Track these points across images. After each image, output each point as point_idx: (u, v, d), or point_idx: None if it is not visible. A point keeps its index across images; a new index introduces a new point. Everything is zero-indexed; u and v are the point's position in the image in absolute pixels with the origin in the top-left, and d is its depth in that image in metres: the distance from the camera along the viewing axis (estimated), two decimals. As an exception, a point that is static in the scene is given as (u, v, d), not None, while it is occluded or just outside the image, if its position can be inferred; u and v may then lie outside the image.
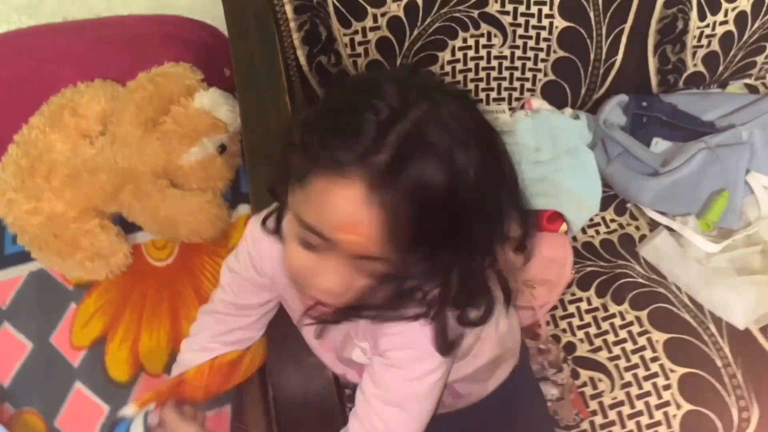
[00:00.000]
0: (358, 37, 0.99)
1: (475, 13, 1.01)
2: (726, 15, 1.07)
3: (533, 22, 1.02)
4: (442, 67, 1.05)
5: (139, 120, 0.87)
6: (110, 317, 0.81)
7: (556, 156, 1.06)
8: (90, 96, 0.87)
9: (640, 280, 1.00)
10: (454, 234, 0.50)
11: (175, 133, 0.86)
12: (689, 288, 0.97)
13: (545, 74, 1.10)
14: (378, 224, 0.48)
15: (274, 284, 0.67)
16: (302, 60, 1.01)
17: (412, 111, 0.48)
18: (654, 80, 1.15)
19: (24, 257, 0.87)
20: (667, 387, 0.90)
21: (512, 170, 0.54)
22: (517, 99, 1.12)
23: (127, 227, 0.87)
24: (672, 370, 0.91)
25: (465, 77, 1.08)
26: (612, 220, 1.08)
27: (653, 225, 1.06)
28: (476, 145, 0.50)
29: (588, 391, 0.91)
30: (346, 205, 0.48)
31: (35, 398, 0.77)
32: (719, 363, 0.92)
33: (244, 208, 0.86)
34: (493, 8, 1.00)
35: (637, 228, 1.06)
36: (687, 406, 0.89)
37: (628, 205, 1.09)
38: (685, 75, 1.15)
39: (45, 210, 0.82)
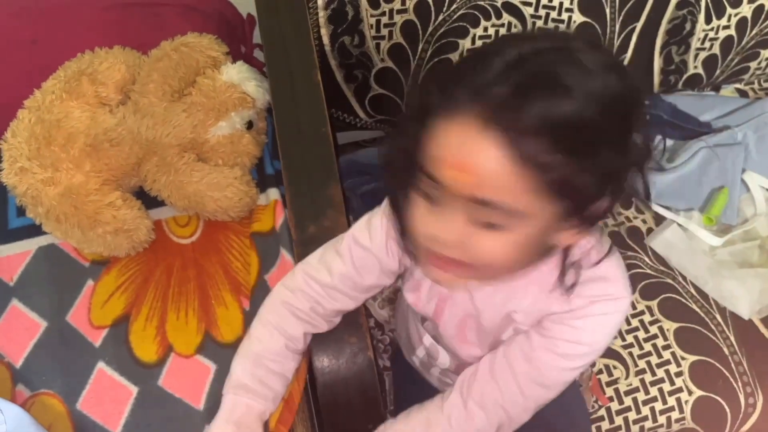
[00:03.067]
0: (385, 19, 0.98)
1: (499, 2, 1.01)
2: (729, 20, 1.12)
3: (553, 15, 1.04)
4: (461, 55, 1.05)
5: (164, 90, 0.83)
6: (133, 295, 0.77)
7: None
8: (110, 63, 0.83)
9: (649, 271, 1.03)
10: (581, 178, 0.46)
11: (203, 106, 0.83)
12: (697, 279, 1.01)
13: (558, 68, 1.11)
14: (493, 162, 0.45)
15: (400, 266, 0.65)
16: (325, 39, 0.99)
17: (542, 54, 0.46)
18: (656, 80, 1.19)
19: (31, 231, 0.81)
20: (679, 374, 0.93)
21: (644, 145, 0.50)
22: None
23: (147, 203, 0.83)
24: (683, 358, 0.94)
25: (481, 67, 1.08)
26: (619, 213, 1.11)
27: (658, 219, 1.09)
28: (611, 88, 0.46)
29: (604, 378, 0.93)
30: (456, 141, 0.46)
31: (53, 380, 0.72)
32: (726, 351, 0.96)
33: (273, 193, 0.84)
34: (516, -1, 1.01)
35: (644, 221, 1.10)
36: (698, 392, 0.92)
37: (634, 199, 1.12)
38: (685, 76, 1.19)
39: (63, 180, 0.77)
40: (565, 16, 1.04)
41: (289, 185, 0.80)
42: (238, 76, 0.84)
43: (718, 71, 1.20)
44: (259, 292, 0.76)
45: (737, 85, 1.27)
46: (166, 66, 0.82)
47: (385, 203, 0.65)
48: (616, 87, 0.47)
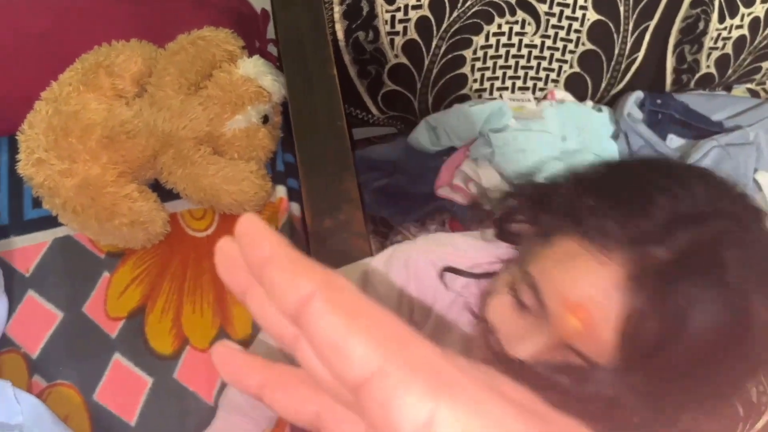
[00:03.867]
0: (399, 15, 0.98)
1: (514, -1, 1.02)
2: (742, 19, 1.12)
3: (567, 12, 1.04)
4: (474, 52, 1.05)
5: (180, 83, 0.83)
6: (148, 287, 0.77)
7: (583, 146, 1.08)
8: (126, 55, 0.83)
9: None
10: (693, 382, 0.41)
11: (219, 99, 0.83)
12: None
13: (570, 66, 1.11)
14: (614, 323, 0.40)
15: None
16: (340, 34, 0.99)
17: (714, 220, 0.40)
18: (669, 79, 1.19)
19: (47, 222, 0.81)
20: (691, 372, 0.93)
21: None
22: (541, 89, 1.14)
23: (163, 195, 0.83)
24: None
25: (495, 63, 1.08)
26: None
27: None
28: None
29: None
30: (591, 284, 0.40)
31: (70, 371, 0.72)
32: (737, 350, 0.96)
33: (280, 190, 0.84)
34: (531, -5, 1.01)
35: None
36: (710, 391, 0.92)
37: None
38: (697, 76, 1.19)
39: (80, 172, 0.77)
40: (579, 13, 1.04)
41: (305, 179, 0.81)
42: (254, 70, 0.84)
43: (730, 71, 1.20)
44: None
45: (749, 86, 1.27)
46: (183, 59, 0.82)
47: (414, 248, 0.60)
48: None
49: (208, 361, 0.73)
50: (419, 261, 0.58)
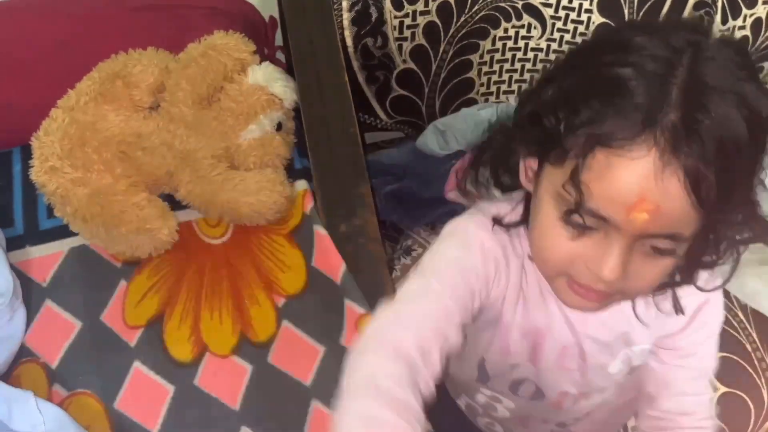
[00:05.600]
0: (408, 21, 0.99)
1: (520, 3, 1.02)
2: (744, 20, 1.13)
3: (573, 15, 1.05)
4: (481, 56, 1.06)
5: (193, 98, 0.83)
6: (166, 295, 0.77)
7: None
8: (143, 65, 0.83)
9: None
10: (753, 176, 0.47)
11: (232, 111, 0.83)
12: (719, 277, 1.02)
13: (576, 69, 1.12)
14: (677, 196, 0.44)
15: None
16: (348, 41, 0.99)
17: (679, 58, 0.44)
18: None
19: (62, 232, 0.81)
20: (704, 371, 0.94)
21: None
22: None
23: (177, 204, 0.83)
24: (707, 355, 0.95)
25: (501, 67, 1.09)
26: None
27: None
28: (753, 75, 0.46)
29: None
30: (637, 180, 0.43)
31: (90, 379, 0.72)
32: (749, 347, 0.96)
33: (301, 184, 0.84)
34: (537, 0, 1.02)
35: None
36: (723, 389, 0.93)
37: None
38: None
39: (93, 182, 0.77)
40: (584, 17, 1.05)
41: (319, 185, 0.81)
42: (264, 77, 0.85)
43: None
44: (315, 282, 0.77)
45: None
46: (195, 73, 0.83)
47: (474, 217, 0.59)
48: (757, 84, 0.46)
49: (229, 367, 0.73)
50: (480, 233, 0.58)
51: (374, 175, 1.10)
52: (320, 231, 0.79)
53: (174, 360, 0.73)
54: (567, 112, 0.47)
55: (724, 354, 0.96)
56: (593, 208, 0.46)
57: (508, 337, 0.62)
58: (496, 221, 0.57)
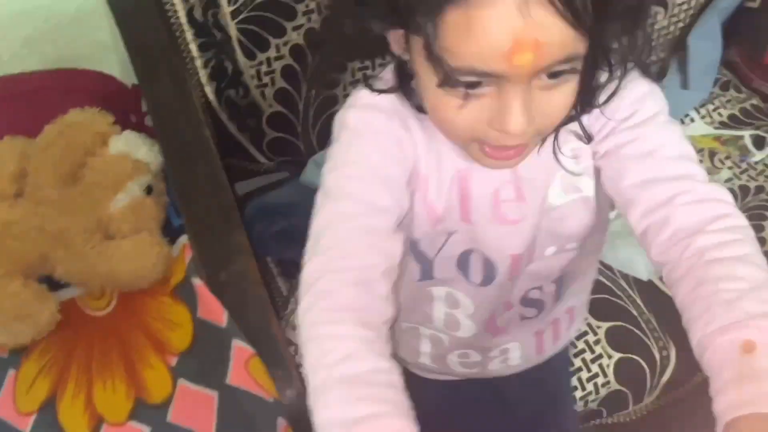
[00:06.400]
0: (264, 68, 1.03)
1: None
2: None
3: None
4: (344, 88, 1.11)
5: (57, 179, 0.85)
6: (56, 375, 0.78)
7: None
8: (0, 155, 0.84)
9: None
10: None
11: (98, 185, 0.86)
12: (597, 252, 1.09)
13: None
14: (552, 22, 0.41)
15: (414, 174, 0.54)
16: (211, 96, 1.03)
17: None
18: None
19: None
20: (597, 341, 1.00)
21: None
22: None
23: (58, 282, 0.84)
24: (598, 326, 1.01)
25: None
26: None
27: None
28: None
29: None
30: (504, 25, 0.41)
31: (-14, 476, 0.72)
32: (635, 312, 1.03)
33: (182, 239, 0.87)
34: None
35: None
36: (617, 355, 0.99)
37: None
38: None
39: (-34, 277, 0.78)
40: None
41: (194, 239, 0.84)
42: (127, 145, 0.88)
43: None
44: (202, 333, 0.79)
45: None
46: (54, 154, 0.85)
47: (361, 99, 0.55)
48: None
49: (126, 434, 0.74)
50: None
51: (262, 217, 1.13)
52: (197, 282, 0.81)
53: (71, 438, 0.74)
54: None
55: (614, 323, 1.02)
56: (467, 67, 0.43)
57: (430, 195, 0.56)
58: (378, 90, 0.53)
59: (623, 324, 1.02)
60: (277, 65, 1.04)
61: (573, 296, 0.75)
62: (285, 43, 1.02)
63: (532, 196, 0.57)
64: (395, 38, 0.49)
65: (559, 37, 0.42)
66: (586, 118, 0.54)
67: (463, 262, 0.61)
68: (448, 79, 0.44)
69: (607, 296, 1.05)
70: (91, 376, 0.78)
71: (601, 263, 1.08)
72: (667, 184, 0.52)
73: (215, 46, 0.98)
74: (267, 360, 0.77)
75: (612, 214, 1.11)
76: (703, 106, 1.31)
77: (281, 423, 0.73)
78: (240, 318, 0.80)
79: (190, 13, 0.93)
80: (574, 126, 0.54)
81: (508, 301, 0.67)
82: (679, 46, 1.37)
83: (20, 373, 0.78)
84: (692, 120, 1.30)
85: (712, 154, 1.24)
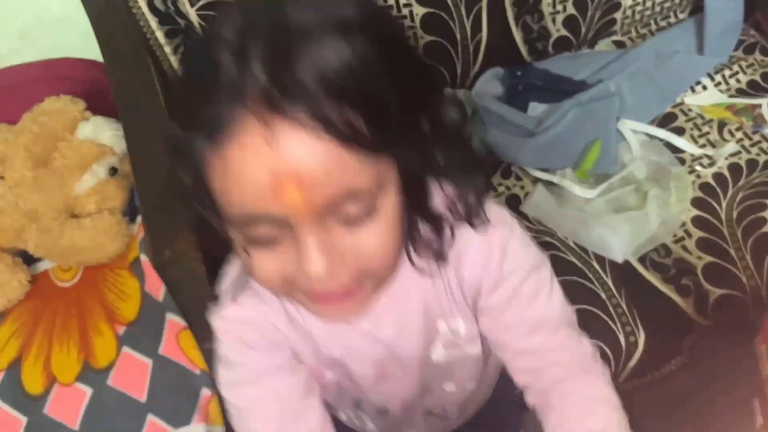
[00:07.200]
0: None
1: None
2: (571, -21, 1.15)
3: (393, 12, 1.10)
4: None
5: (31, 162, 0.94)
6: (25, 339, 0.87)
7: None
8: (-18, 141, 0.94)
9: (529, 233, 1.07)
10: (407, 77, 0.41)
11: (66, 167, 0.93)
12: (569, 234, 1.05)
13: (419, 59, 1.17)
14: (312, 152, 0.38)
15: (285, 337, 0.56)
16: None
17: (258, 15, 0.39)
18: (523, 50, 1.23)
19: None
20: (557, 326, 0.97)
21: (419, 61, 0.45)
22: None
23: (31, 258, 0.93)
24: (562, 310, 0.98)
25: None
26: (499, 184, 1.15)
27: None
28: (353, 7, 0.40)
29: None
30: (257, 162, 0.38)
31: (-40, 423, 0.82)
32: (604, 295, 0.99)
33: (140, 219, 0.93)
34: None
35: (522, 187, 1.14)
36: (578, 341, 0.96)
37: (513, 167, 1.17)
38: (551, 41, 1.23)
39: (-51, 252, 0.89)
40: (405, 11, 1.11)
41: (145, 217, 0.90)
42: (93, 130, 0.94)
43: (583, 29, 1.24)
44: (146, 306, 0.86)
45: (614, 38, 1.29)
46: (28, 140, 0.94)
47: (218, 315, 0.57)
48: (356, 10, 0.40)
49: (73, 393, 0.82)
50: None
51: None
52: (144, 258, 0.87)
53: (28, 394, 0.83)
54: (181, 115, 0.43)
55: (579, 306, 0.98)
56: (243, 213, 0.41)
57: (319, 375, 0.58)
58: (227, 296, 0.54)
59: (589, 308, 0.98)
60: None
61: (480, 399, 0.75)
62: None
63: (411, 362, 0.58)
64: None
65: (324, 168, 0.38)
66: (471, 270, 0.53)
67: (357, 403, 0.65)
68: (233, 228, 0.42)
69: (576, 278, 1.01)
70: (52, 341, 0.86)
71: (577, 245, 1.04)
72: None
73: (181, 33, 1.02)
74: (199, 334, 0.83)
75: (593, 194, 1.07)
76: (718, 72, 1.20)
77: (205, 393, 0.79)
78: (178, 293, 0.85)
79: (150, 4, 0.98)
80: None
81: (410, 418, 0.69)
82: (697, 8, 1.26)
83: (-5, 336, 0.88)
84: (704, 87, 1.20)
85: (722, 125, 1.14)
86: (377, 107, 0.39)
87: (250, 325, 0.54)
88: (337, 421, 0.69)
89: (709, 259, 0.99)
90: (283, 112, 0.37)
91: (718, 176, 1.07)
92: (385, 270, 0.46)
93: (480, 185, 0.48)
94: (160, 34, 1.02)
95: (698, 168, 1.09)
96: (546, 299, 0.56)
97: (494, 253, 0.53)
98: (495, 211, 0.53)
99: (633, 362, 0.97)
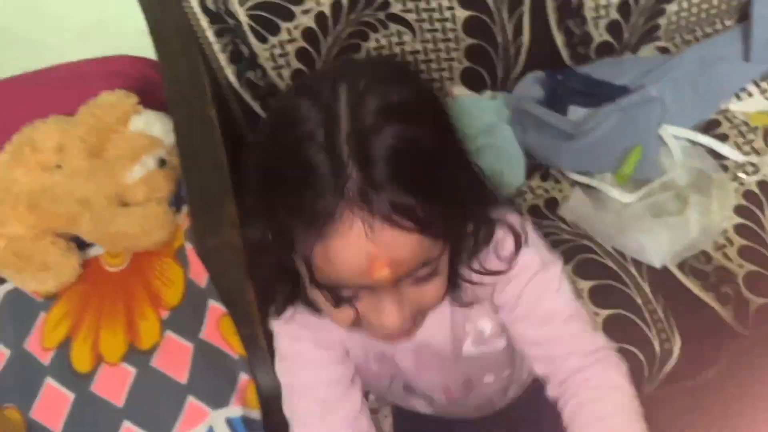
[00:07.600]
0: (277, 51, 1.10)
1: (382, 15, 1.11)
2: None
3: (436, 15, 1.12)
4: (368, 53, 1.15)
5: (87, 152, 0.99)
6: (74, 320, 0.92)
7: (471, 136, 1.14)
8: (44, 131, 1.00)
9: (566, 236, 1.07)
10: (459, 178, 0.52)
11: (119, 158, 0.98)
12: (605, 238, 1.04)
13: (460, 62, 1.19)
14: (396, 238, 0.47)
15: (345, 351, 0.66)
16: (232, 78, 1.12)
17: (339, 107, 0.46)
18: (565, 54, 1.23)
19: (-2, 280, 0.98)
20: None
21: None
22: (439, 89, 1.22)
23: (85, 242, 0.98)
24: (597, 314, 0.98)
25: (386, 74, 1.17)
26: (538, 187, 1.16)
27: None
28: (413, 94, 0.49)
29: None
30: (356, 250, 0.46)
31: (14, 396, 0.87)
32: (640, 301, 0.98)
33: (185, 209, 0.97)
34: (396, 8, 1.10)
35: (560, 191, 1.14)
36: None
37: (552, 170, 1.17)
38: (593, 46, 1.23)
39: (8, 234, 0.94)
40: (447, 14, 1.12)
41: (191, 207, 0.94)
42: (144, 123, 0.99)
43: (626, 35, 1.23)
44: (190, 292, 0.89)
45: (657, 44, 1.28)
46: (84, 131, 0.99)
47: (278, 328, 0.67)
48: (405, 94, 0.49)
49: (118, 372, 0.86)
50: None
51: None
52: (189, 246, 0.91)
53: (76, 372, 0.87)
54: (279, 207, 0.50)
55: (614, 311, 0.98)
56: (337, 284, 0.51)
57: (367, 368, 0.67)
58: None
59: (624, 312, 0.97)
60: (290, 48, 1.10)
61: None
62: (296, 27, 1.08)
63: (446, 356, 0.66)
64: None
65: (409, 250, 0.48)
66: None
67: (408, 389, 0.73)
68: (331, 293, 0.52)
69: (611, 282, 1.00)
70: (100, 322, 0.91)
71: (615, 249, 1.04)
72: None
73: (230, 32, 1.06)
74: (238, 320, 0.86)
75: (631, 198, 1.06)
76: (764, 79, 1.18)
77: (243, 377, 0.81)
78: (220, 281, 0.88)
79: (202, 4, 1.02)
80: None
81: (462, 402, 0.76)
82: (744, 15, 1.24)
83: (49, 316, 0.93)
84: (749, 94, 1.18)
85: (767, 133, 1.12)
86: (442, 198, 0.48)
87: (306, 328, 0.63)
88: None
89: (750, 267, 0.98)
90: (369, 205, 0.46)
91: (762, 184, 1.05)
92: (435, 306, 0.58)
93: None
94: (210, 33, 1.06)
95: (742, 175, 1.07)
96: (555, 294, 0.61)
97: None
98: (509, 217, 0.61)
99: (668, 368, 0.96)
